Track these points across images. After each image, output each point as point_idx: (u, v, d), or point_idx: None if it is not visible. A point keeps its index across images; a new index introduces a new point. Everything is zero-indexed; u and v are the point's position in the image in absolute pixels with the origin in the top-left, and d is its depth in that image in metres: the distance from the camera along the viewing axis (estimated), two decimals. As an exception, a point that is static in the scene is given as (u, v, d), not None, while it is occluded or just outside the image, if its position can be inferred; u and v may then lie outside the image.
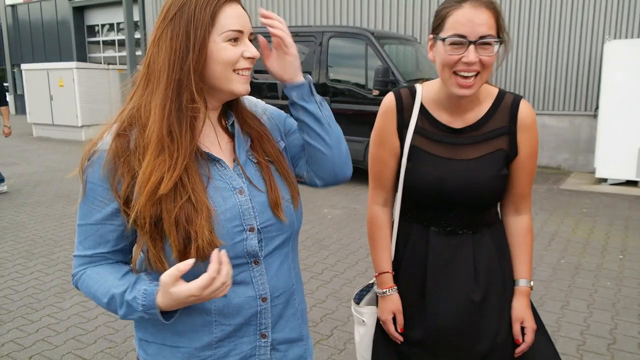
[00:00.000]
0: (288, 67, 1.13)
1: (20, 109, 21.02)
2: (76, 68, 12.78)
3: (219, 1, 1.03)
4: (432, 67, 8.09)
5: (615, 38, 8.08)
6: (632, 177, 7.14)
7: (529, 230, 1.48)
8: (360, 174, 8.41)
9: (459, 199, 1.37)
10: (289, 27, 9.26)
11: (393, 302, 1.48)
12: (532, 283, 1.48)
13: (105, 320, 3.34)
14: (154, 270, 1.03)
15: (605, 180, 7.41)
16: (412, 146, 1.40)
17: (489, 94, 1.39)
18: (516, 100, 1.37)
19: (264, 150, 1.14)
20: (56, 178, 8.11)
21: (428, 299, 1.42)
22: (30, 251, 4.69)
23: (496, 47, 1.23)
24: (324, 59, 7.42)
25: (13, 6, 22.72)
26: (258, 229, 1.08)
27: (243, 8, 1.09)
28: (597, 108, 7.78)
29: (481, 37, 1.20)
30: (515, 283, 1.46)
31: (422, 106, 1.41)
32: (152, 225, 0.99)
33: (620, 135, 7.07)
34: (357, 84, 7.32)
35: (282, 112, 1.27)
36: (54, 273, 4.16)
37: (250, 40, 1.08)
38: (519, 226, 1.48)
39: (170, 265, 0.99)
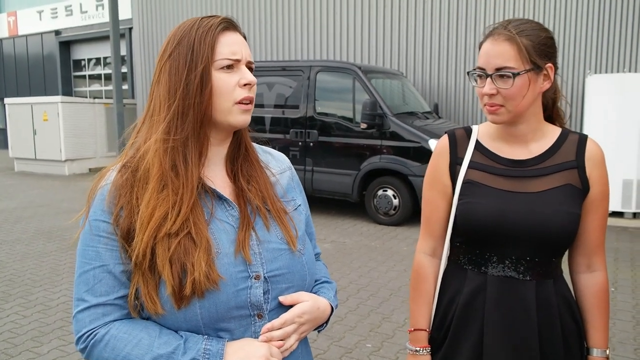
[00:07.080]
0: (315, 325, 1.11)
1: (3, 143, 20.76)
2: (61, 102, 12.68)
3: (217, 29, 0.99)
4: (418, 101, 8.18)
5: (595, 72, 8.27)
6: (618, 209, 7.18)
7: (605, 291, 1.32)
8: (349, 207, 8.43)
9: (522, 234, 1.25)
10: (277, 61, 9.36)
11: None
12: (608, 352, 1.32)
13: (85, 365, 3.18)
14: (149, 311, 0.95)
15: (591, 211, 7.43)
16: (466, 182, 1.32)
17: (554, 130, 1.34)
18: (583, 136, 1.32)
19: (265, 199, 1.08)
20: (38, 214, 7.92)
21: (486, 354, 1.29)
22: (8, 292, 4.50)
23: (517, 79, 1.20)
24: (312, 93, 7.45)
25: (-1, 41, 22.73)
26: (265, 277, 1.00)
27: (243, 36, 1.05)
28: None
29: (497, 70, 1.21)
30: (588, 352, 1.32)
31: (477, 142, 1.36)
32: (148, 261, 0.92)
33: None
34: (344, 117, 7.34)
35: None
36: (31, 315, 3.98)
37: (250, 69, 1.04)
38: (592, 285, 1.32)
39: (163, 305, 0.93)
